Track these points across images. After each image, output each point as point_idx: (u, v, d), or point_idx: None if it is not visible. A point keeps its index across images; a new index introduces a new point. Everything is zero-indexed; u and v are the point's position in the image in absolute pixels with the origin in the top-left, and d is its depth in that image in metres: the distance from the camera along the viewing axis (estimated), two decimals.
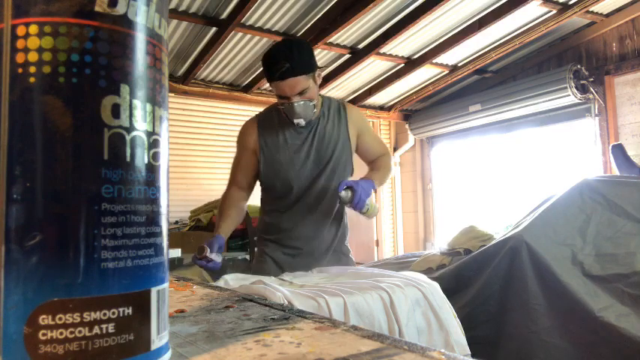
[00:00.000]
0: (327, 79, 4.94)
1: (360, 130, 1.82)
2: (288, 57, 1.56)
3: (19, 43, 0.29)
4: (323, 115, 1.77)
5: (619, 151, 2.93)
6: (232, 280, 1.32)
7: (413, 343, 0.37)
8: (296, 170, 1.72)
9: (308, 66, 1.60)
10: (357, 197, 1.57)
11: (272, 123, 1.76)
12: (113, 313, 0.30)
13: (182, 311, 0.56)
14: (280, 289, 1.08)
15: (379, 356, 0.35)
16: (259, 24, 3.83)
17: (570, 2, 3.98)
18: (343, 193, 1.59)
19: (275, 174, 1.75)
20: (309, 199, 1.74)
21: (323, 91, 5.29)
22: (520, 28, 4.38)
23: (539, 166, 5.01)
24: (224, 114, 4.95)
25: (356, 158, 1.85)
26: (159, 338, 0.32)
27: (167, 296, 0.34)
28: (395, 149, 6.51)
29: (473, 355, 1.25)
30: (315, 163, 1.73)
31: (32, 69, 0.29)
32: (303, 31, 3.97)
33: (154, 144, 0.33)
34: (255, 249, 1.95)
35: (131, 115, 0.31)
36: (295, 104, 1.61)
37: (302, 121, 1.66)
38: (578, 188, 2.39)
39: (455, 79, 5.24)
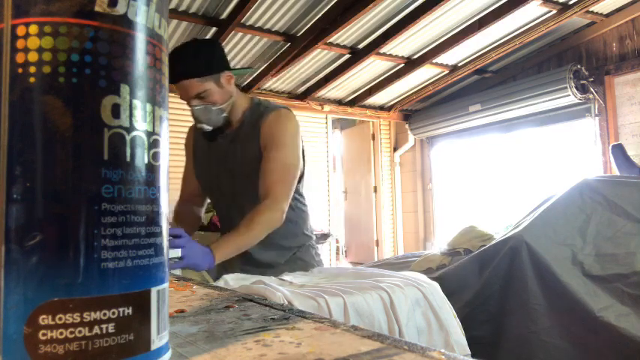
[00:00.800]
0: (328, 79, 4.94)
1: (265, 143, 1.53)
2: (181, 58, 1.46)
3: (19, 43, 0.29)
4: (243, 122, 1.59)
5: (619, 151, 2.93)
6: (232, 280, 1.32)
7: (413, 343, 0.37)
8: (218, 182, 1.61)
9: (204, 68, 1.47)
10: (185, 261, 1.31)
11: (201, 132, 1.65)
12: (113, 313, 0.30)
13: (182, 311, 0.56)
14: (280, 289, 1.08)
15: (379, 356, 0.35)
16: (259, 24, 3.83)
17: (570, 2, 3.98)
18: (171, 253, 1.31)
19: (205, 184, 1.70)
20: (232, 212, 1.61)
21: (322, 92, 5.29)
22: (520, 28, 4.38)
23: (539, 166, 5.01)
24: None
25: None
26: (159, 338, 0.32)
27: (167, 296, 0.34)
28: (395, 149, 6.52)
29: (473, 355, 1.25)
30: (233, 175, 1.60)
31: (32, 69, 0.29)
32: (303, 31, 3.97)
33: (153, 144, 0.33)
34: None
35: (131, 115, 0.31)
36: (194, 108, 1.50)
37: (205, 127, 1.54)
38: (578, 188, 2.39)
39: (455, 79, 5.25)
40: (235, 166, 1.58)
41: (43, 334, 0.28)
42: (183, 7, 3.51)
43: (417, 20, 3.82)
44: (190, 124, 1.78)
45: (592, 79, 4.44)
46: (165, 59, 0.35)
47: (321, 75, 4.95)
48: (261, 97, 1.74)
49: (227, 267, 1.65)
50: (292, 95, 5.38)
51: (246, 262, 1.63)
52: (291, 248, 1.65)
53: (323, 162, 5.78)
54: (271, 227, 1.50)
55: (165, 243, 0.35)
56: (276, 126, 1.55)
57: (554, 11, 4.07)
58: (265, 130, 1.55)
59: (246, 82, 4.83)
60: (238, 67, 4.51)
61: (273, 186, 1.50)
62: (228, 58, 4.26)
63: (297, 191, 1.67)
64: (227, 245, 1.41)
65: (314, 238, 1.76)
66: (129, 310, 0.30)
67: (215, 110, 1.52)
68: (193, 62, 1.47)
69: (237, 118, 1.60)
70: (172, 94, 4.57)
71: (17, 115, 0.29)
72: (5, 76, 0.29)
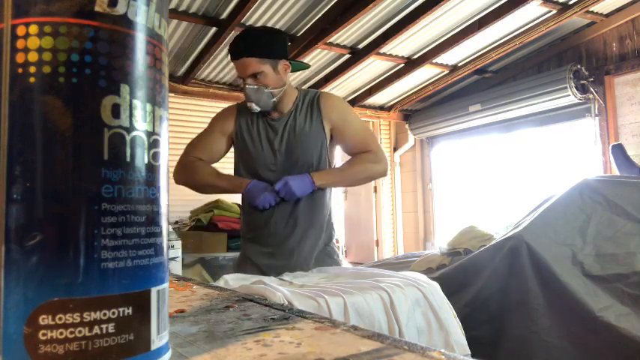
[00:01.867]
0: (328, 79, 4.94)
1: (336, 121, 1.69)
2: (246, 38, 1.58)
3: (19, 43, 0.29)
4: (297, 108, 1.70)
5: (619, 151, 2.93)
6: (232, 280, 1.32)
7: (413, 343, 0.37)
8: (265, 163, 1.67)
9: (265, 51, 1.58)
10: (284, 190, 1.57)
11: (251, 113, 1.73)
12: (113, 313, 0.30)
13: (182, 311, 0.56)
14: (280, 289, 1.08)
15: (379, 356, 0.35)
16: (259, 24, 3.82)
17: (570, 2, 3.98)
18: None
19: (244, 165, 1.72)
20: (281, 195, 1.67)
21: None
22: (520, 28, 4.38)
23: (539, 166, 5.01)
24: None
25: None
26: (159, 338, 0.32)
27: (167, 296, 0.34)
28: (395, 149, 6.51)
29: (473, 355, 1.25)
30: (286, 158, 1.67)
31: (32, 69, 0.29)
32: (303, 31, 3.97)
33: (153, 144, 0.33)
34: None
35: (131, 115, 0.31)
36: (248, 87, 1.60)
37: (254, 106, 1.63)
38: (578, 188, 2.39)
39: (455, 79, 5.24)
40: (296, 146, 1.66)
41: (43, 334, 0.28)
42: (183, 7, 3.51)
43: (417, 20, 3.82)
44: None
45: (592, 79, 4.44)
46: (166, 59, 0.35)
47: (321, 75, 4.95)
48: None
49: (249, 255, 1.70)
50: None
51: (265, 249, 1.67)
52: (317, 236, 1.70)
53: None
54: (374, 174, 1.71)
55: (165, 243, 0.35)
56: (338, 103, 1.73)
57: (554, 11, 4.07)
58: (330, 108, 1.69)
59: None
60: None
61: (370, 144, 1.69)
62: (228, 57, 4.27)
63: None
64: (326, 173, 1.63)
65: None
66: (129, 310, 0.30)
67: (266, 93, 1.61)
68: (257, 43, 1.58)
69: (288, 106, 1.70)
70: (172, 94, 4.57)
71: (17, 115, 0.29)
72: (5, 76, 0.29)
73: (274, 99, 1.64)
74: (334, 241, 1.79)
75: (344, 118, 1.70)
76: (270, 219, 1.66)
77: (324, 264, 1.67)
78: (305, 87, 5.23)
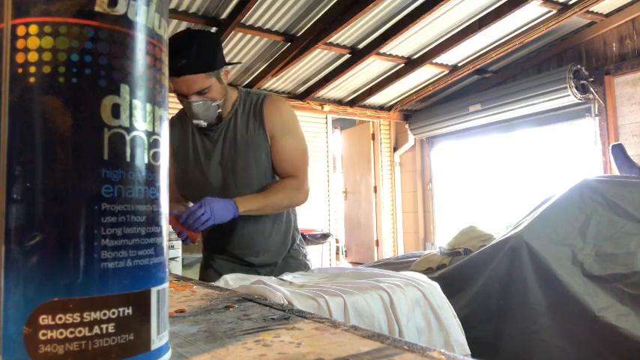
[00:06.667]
0: (328, 79, 4.94)
1: (275, 131, 1.54)
2: (185, 51, 1.37)
3: (19, 43, 0.29)
4: (237, 112, 1.56)
5: (619, 151, 2.93)
6: (232, 280, 1.32)
7: (413, 343, 0.37)
8: (207, 177, 1.55)
9: (209, 63, 1.42)
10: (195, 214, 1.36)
11: (185, 126, 1.60)
12: (113, 313, 0.30)
13: (182, 311, 0.56)
14: (280, 289, 1.08)
15: (379, 356, 0.35)
16: (259, 24, 3.83)
17: (570, 2, 3.98)
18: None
19: (187, 182, 1.60)
20: None
21: (322, 92, 5.29)
22: (520, 28, 4.38)
23: (539, 166, 5.01)
24: None
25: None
26: (159, 338, 0.32)
27: (167, 296, 0.34)
28: (395, 149, 6.51)
29: (473, 355, 1.25)
30: (227, 168, 1.54)
31: (32, 69, 0.29)
32: (303, 31, 3.97)
33: (153, 144, 0.33)
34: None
35: (131, 115, 0.31)
36: (193, 104, 1.44)
37: (202, 123, 1.49)
38: (578, 188, 2.39)
39: (455, 79, 5.25)
40: (233, 157, 1.54)
41: (43, 334, 0.28)
42: (183, 7, 3.51)
43: (417, 20, 3.82)
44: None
45: (592, 79, 4.44)
46: (166, 59, 0.35)
47: (321, 75, 4.95)
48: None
49: (213, 264, 1.64)
50: (292, 95, 5.38)
51: (229, 259, 1.61)
52: (278, 241, 1.64)
53: (323, 162, 5.78)
54: (294, 203, 1.58)
55: (166, 243, 0.35)
56: (283, 112, 1.57)
57: (554, 11, 4.07)
58: (271, 116, 1.55)
59: (246, 82, 4.82)
60: (238, 67, 4.51)
61: (297, 170, 1.57)
62: (229, 57, 4.27)
63: None
64: (250, 199, 1.48)
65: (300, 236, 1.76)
66: (129, 310, 0.30)
67: (214, 106, 1.48)
68: (201, 56, 1.40)
69: (227, 110, 1.56)
70: (172, 94, 4.57)
71: (17, 115, 0.29)
72: (5, 76, 0.29)
73: (219, 109, 1.52)
74: (298, 242, 1.71)
75: (284, 130, 1.55)
76: (227, 232, 1.57)
77: (291, 267, 1.63)
78: (305, 87, 5.23)
